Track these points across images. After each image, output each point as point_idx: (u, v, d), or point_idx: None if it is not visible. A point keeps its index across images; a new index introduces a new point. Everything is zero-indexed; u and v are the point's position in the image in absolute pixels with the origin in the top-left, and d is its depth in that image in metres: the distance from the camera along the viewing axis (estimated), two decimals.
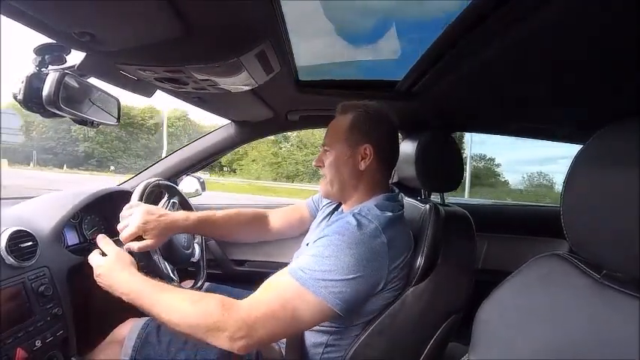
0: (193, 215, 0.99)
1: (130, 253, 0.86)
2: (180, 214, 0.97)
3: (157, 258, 0.95)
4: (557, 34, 0.59)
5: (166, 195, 1.15)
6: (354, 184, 0.88)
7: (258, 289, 0.71)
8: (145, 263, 0.89)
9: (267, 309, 0.67)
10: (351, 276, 0.70)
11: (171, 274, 1.00)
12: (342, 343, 0.82)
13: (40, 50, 0.74)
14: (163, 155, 2.07)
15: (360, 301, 0.75)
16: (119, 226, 0.89)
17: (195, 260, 1.18)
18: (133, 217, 0.88)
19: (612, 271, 0.44)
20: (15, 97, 0.74)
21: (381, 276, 0.75)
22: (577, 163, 0.47)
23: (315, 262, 0.71)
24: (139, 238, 0.88)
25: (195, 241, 1.24)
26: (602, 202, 0.43)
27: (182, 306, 0.69)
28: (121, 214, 0.91)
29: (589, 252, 0.47)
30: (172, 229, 0.93)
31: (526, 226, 1.65)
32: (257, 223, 1.15)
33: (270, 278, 0.73)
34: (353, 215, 0.77)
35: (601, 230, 0.43)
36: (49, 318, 0.84)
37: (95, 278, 0.80)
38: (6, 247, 0.79)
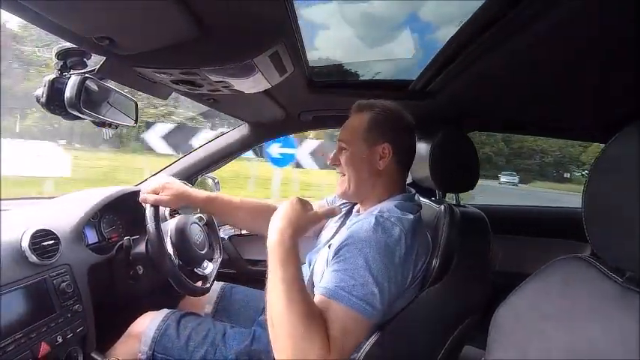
0: (205, 192, 1.08)
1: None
2: (193, 189, 1.08)
3: (170, 250, 0.98)
4: (574, 31, 0.57)
5: None
6: (372, 183, 0.87)
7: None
8: (156, 250, 0.93)
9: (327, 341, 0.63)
10: (385, 284, 0.69)
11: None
12: None
13: (62, 54, 0.76)
14: None
15: (389, 306, 0.74)
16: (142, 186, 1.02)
17: (205, 273, 1.11)
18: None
19: (635, 275, 0.43)
20: (38, 100, 0.77)
21: (406, 279, 0.75)
22: (598, 164, 0.46)
23: (351, 275, 0.69)
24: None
25: (212, 257, 1.20)
26: (625, 205, 0.41)
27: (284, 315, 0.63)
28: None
29: (612, 255, 0.45)
30: (184, 197, 1.02)
31: (544, 227, 1.61)
32: (269, 217, 1.14)
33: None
34: (375, 217, 0.75)
35: (624, 233, 0.42)
36: (69, 315, 0.86)
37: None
38: (29, 246, 0.82)
